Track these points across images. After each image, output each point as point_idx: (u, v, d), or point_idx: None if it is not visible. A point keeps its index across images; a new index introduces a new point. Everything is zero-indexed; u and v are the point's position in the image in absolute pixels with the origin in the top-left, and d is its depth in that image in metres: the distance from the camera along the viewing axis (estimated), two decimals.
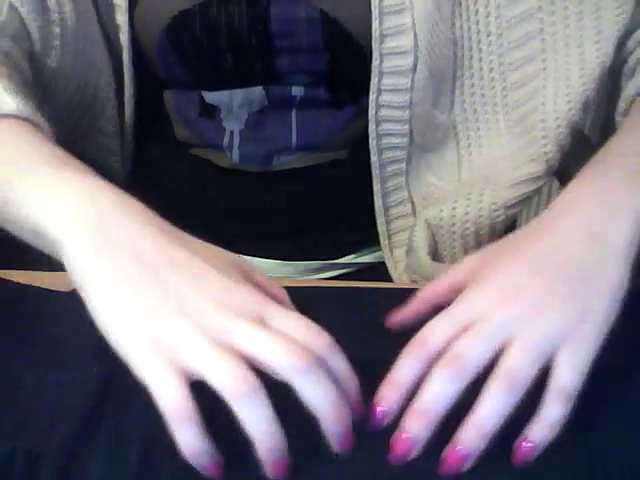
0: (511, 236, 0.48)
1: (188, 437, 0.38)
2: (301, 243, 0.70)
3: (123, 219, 0.41)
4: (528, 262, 0.45)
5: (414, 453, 0.41)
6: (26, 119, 0.48)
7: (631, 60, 0.62)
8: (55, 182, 0.43)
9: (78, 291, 0.41)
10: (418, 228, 0.64)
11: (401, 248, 0.68)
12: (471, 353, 0.41)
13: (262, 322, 0.40)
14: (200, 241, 0.44)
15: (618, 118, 0.63)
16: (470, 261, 0.48)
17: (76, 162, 0.45)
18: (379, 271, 0.70)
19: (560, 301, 0.43)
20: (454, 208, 0.63)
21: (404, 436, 0.40)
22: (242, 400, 0.37)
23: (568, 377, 0.41)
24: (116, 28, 0.60)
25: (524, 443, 0.41)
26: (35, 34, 0.56)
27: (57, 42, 0.58)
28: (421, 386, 0.41)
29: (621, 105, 0.62)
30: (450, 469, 0.41)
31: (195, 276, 0.40)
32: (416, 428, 0.40)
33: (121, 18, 0.59)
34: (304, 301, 0.53)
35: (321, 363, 0.39)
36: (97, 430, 0.43)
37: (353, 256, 0.72)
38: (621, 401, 0.46)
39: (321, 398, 0.39)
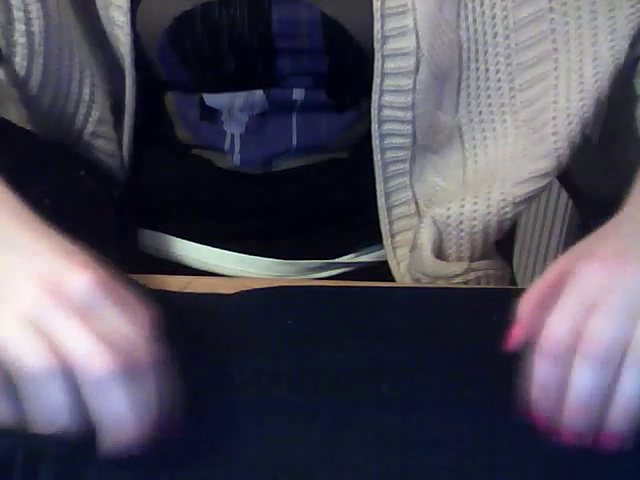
0: (598, 231, 0.47)
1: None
2: (301, 242, 0.70)
3: None
4: (629, 241, 0.44)
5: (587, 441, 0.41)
6: None
7: None
8: None
9: None
10: (424, 226, 0.64)
11: (404, 247, 0.68)
12: (606, 338, 0.40)
13: (83, 314, 0.39)
14: (57, 234, 0.43)
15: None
16: (565, 258, 0.46)
17: None
18: (379, 271, 0.70)
19: None
20: (462, 206, 0.63)
21: (572, 432, 0.41)
22: (34, 381, 0.37)
23: None
24: (115, 29, 0.60)
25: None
26: None
27: (22, 40, 0.58)
28: (569, 382, 0.41)
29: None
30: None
31: (28, 258, 0.40)
32: (580, 423, 0.41)
33: (122, 19, 0.58)
34: (303, 301, 0.53)
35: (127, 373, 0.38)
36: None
37: (353, 255, 0.72)
38: None
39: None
